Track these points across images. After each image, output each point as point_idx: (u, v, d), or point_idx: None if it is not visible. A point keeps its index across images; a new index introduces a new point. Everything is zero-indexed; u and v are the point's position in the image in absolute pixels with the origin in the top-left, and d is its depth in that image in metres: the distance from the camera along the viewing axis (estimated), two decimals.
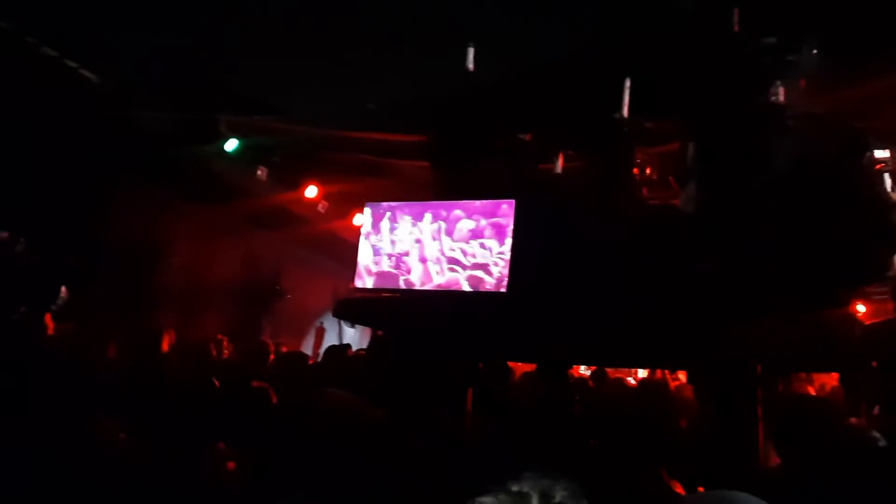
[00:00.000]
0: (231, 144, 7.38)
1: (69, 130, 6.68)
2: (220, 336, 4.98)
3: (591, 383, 5.22)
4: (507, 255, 4.37)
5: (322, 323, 6.44)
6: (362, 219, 5.08)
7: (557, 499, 1.20)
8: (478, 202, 4.59)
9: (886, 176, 4.01)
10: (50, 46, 6.58)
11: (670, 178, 4.76)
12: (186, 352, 4.41)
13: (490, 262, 4.43)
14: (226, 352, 4.79)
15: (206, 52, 6.62)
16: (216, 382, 3.58)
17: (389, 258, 4.77)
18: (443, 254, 4.60)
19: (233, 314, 8.29)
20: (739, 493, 1.45)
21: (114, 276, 7.21)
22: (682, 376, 5.62)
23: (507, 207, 4.46)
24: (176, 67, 6.84)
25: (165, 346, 4.84)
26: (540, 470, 1.25)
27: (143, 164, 7.20)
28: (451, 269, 4.56)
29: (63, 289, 6.56)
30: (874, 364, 3.91)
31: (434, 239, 4.66)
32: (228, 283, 8.51)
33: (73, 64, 6.83)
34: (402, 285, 4.70)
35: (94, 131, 6.84)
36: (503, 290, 4.33)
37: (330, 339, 8.58)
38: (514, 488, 1.20)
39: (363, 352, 5.65)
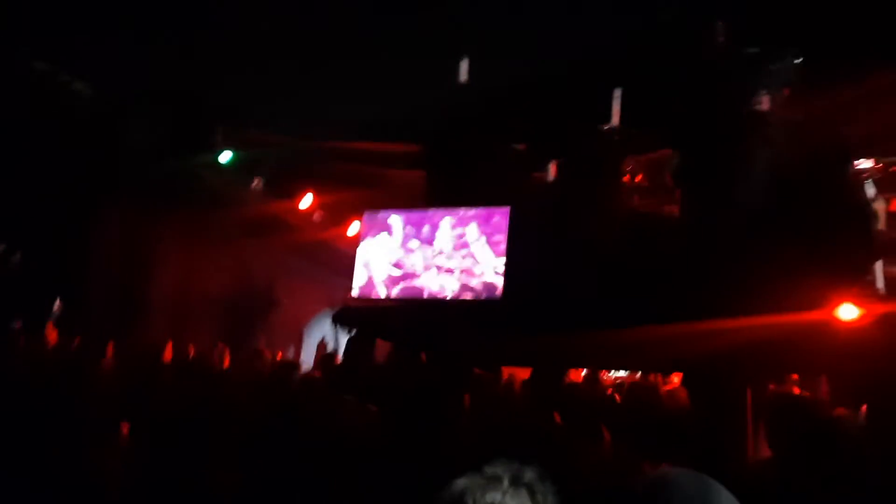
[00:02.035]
0: (225, 156, 7.44)
1: (63, 142, 6.72)
2: (220, 345, 5.03)
3: (585, 387, 5.29)
4: (502, 262, 4.47)
5: (324, 337, 6.52)
6: (358, 228, 5.16)
7: (526, 480, 1.33)
8: (473, 210, 4.69)
9: (869, 184, 4.12)
10: (42, 60, 6.64)
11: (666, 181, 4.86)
12: (188, 364, 4.46)
13: (485, 269, 4.52)
14: (226, 361, 4.84)
15: (198, 64, 6.68)
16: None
17: (387, 266, 4.86)
18: (439, 261, 4.70)
19: (227, 324, 8.31)
20: (709, 479, 1.40)
21: (108, 287, 7.24)
22: (675, 379, 5.72)
23: (501, 215, 4.57)
24: (168, 80, 6.90)
25: (168, 356, 4.86)
26: (512, 457, 1.37)
27: (136, 175, 7.25)
28: (448, 277, 4.65)
29: (58, 300, 6.59)
30: (857, 366, 4.03)
31: (430, 246, 4.76)
32: (222, 293, 8.53)
33: (65, 77, 6.88)
34: (400, 293, 4.78)
35: (88, 143, 6.89)
36: (498, 296, 4.43)
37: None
38: (488, 472, 1.33)
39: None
